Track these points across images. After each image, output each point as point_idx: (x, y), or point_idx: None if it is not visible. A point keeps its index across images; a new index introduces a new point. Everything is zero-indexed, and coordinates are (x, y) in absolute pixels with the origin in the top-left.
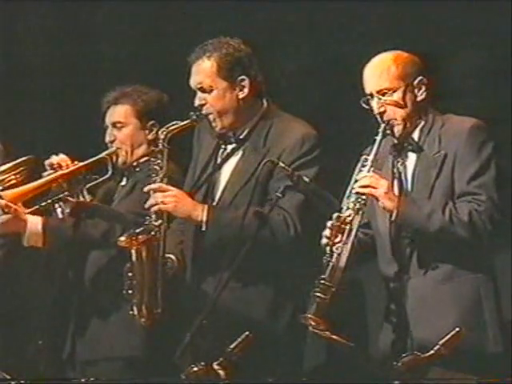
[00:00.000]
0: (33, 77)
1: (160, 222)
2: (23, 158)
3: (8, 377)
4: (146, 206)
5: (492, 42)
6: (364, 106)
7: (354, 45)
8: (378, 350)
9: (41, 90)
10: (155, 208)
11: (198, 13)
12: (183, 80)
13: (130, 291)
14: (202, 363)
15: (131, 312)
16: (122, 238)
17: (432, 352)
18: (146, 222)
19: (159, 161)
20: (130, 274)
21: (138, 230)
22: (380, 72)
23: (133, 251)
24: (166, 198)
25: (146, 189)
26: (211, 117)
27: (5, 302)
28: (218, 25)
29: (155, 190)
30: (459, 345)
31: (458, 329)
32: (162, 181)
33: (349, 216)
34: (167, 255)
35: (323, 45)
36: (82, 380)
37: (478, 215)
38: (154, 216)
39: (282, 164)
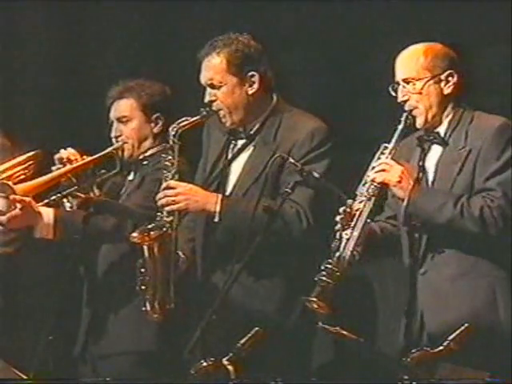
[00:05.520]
0: (38, 72)
1: (171, 218)
2: (32, 153)
3: (22, 375)
4: (158, 204)
5: None
6: (392, 93)
7: (366, 40)
8: (392, 343)
9: (46, 85)
10: (167, 208)
11: (208, 9)
12: (188, 75)
13: (142, 287)
14: (212, 358)
15: (144, 308)
16: (135, 234)
17: (441, 348)
18: (158, 219)
19: (170, 157)
20: (142, 270)
21: (149, 226)
22: (409, 61)
23: (145, 247)
24: (177, 196)
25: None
26: (221, 113)
27: (15, 297)
28: (228, 21)
29: (165, 189)
30: (471, 341)
31: (467, 324)
32: (173, 177)
33: (360, 202)
34: (177, 252)
35: (335, 39)
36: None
37: (490, 211)
38: (165, 212)
39: (291, 160)
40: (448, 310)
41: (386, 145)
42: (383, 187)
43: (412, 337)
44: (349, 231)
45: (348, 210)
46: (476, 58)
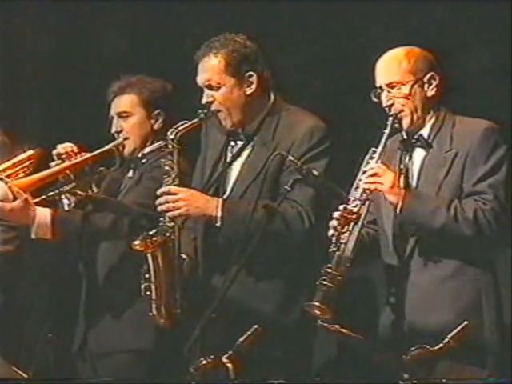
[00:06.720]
0: (38, 69)
1: (173, 223)
2: (32, 151)
3: (23, 374)
4: (159, 210)
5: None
6: (374, 99)
7: (363, 38)
8: (377, 339)
9: (47, 82)
10: (168, 214)
11: (204, 8)
12: (188, 73)
13: (147, 292)
14: (211, 356)
15: (150, 313)
16: (137, 242)
17: (441, 345)
18: (160, 224)
19: (170, 161)
20: (147, 276)
21: (151, 233)
22: (391, 66)
23: (148, 255)
24: (177, 202)
25: (158, 192)
26: (221, 114)
27: (15, 296)
28: (224, 20)
29: (165, 194)
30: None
31: (466, 322)
32: (173, 181)
33: (355, 207)
34: (181, 255)
35: (333, 38)
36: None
37: (483, 214)
38: (167, 218)
39: (290, 157)
40: (433, 312)
41: (374, 149)
42: (376, 192)
43: (396, 337)
44: (346, 235)
45: (343, 214)
46: (454, 60)
